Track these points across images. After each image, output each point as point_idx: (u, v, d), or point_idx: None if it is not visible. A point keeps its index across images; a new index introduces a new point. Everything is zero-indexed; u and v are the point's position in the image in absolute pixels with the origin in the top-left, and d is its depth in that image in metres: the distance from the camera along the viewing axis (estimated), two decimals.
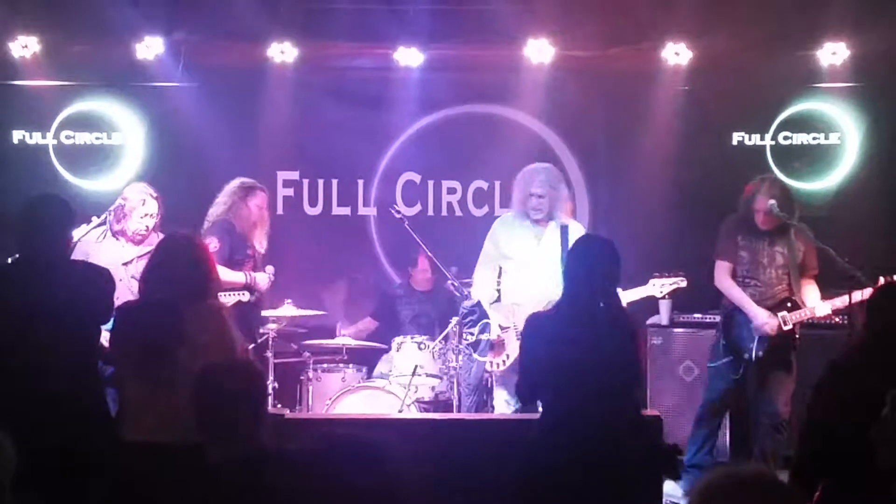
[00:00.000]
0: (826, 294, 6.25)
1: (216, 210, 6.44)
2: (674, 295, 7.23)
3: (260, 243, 6.50)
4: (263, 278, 6.31)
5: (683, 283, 6.18)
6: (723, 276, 6.31)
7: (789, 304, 6.19)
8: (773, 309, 6.17)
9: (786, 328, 6.13)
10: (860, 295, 5.79)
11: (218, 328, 4.22)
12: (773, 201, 6.23)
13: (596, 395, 4.06)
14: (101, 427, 4.27)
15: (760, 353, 6.15)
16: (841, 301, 6.06)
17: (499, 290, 6.22)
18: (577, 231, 6.20)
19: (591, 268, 4.18)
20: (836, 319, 6.53)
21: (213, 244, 6.14)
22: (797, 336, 6.23)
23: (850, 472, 3.30)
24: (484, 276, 6.25)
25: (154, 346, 4.08)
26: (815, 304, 6.19)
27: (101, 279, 4.50)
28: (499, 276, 6.24)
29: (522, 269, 6.12)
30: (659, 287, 6.13)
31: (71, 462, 4.08)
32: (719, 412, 6.44)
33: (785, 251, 6.25)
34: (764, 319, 6.12)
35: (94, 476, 4.13)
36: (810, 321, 6.26)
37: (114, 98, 8.23)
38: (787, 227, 6.26)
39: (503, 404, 6.11)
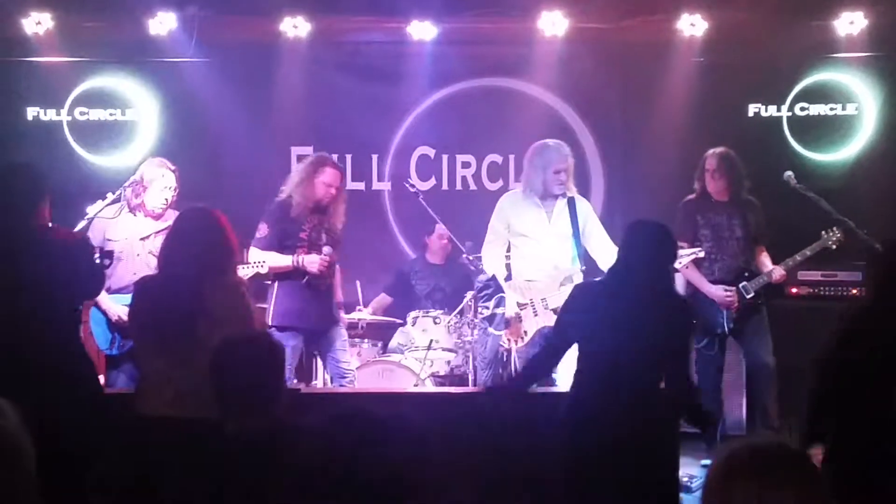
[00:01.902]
0: (843, 265, 6.38)
1: (287, 186, 6.27)
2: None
3: (334, 222, 6.28)
4: (313, 260, 6.09)
5: (702, 254, 6.27)
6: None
7: (747, 274, 6.41)
8: (733, 282, 6.29)
9: (749, 297, 6.35)
10: (809, 252, 6.36)
11: (238, 302, 4.21)
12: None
13: (629, 371, 4.09)
14: (84, 398, 4.29)
15: (731, 325, 6.37)
16: (793, 260, 6.41)
17: (508, 267, 6.22)
18: (582, 204, 6.22)
19: (645, 250, 4.22)
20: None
21: (261, 230, 6.12)
22: (761, 301, 6.42)
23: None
24: (493, 253, 6.23)
25: (173, 320, 4.07)
26: (771, 267, 6.43)
27: (78, 248, 4.51)
28: (507, 252, 6.24)
29: (535, 245, 6.11)
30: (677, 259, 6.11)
31: (54, 435, 4.07)
32: (716, 388, 6.53)
33: (739, 222, 6.44)
34: (722, 296, 6.34)
35: (83, 449, 4.15)
36: (769, 285, 6.44)
37: (127, 74, 8.22)
38: (739, 200, 6.46)
39: None
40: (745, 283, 6.36)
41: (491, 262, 6.22)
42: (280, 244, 6.14)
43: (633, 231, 4.38)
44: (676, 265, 6.14)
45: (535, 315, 6.00)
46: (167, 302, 4.10)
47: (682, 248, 6.09)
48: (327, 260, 6.13)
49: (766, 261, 6.50)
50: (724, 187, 6.46)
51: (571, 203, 6.13)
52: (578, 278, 6.00)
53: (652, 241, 4.27)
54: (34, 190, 4.47)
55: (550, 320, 5.77)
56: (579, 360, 4.33)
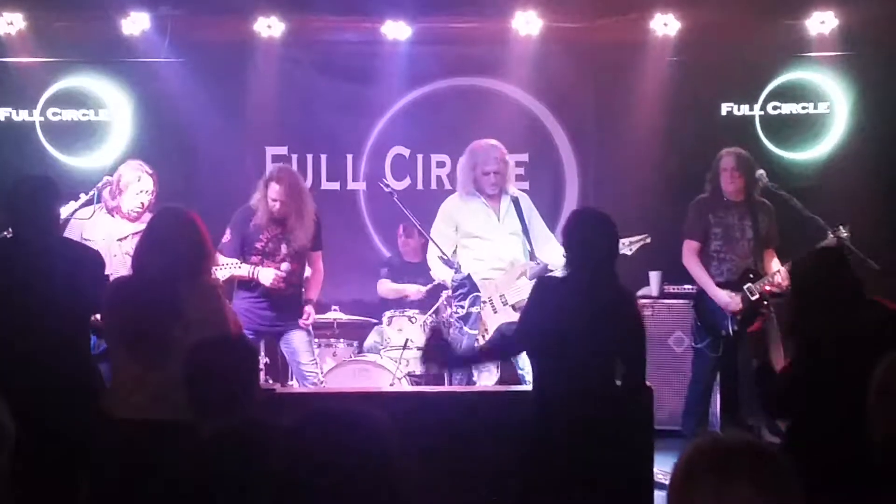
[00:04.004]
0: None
1: (255, 195, 6.26)
2: (664, 266, 7.30)
3: (297, 234, 6.19)
4: (268, 275, 6.08)
5: (648, 240, 6.20)
6: (689, 256, 6.51)
7: (751, 275, 6.36)
8: (739, 282, 6.29)
9: (753, 298, 6.29)
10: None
11: (213, 305, 4.20)
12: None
13: (589, 365, 4.09)
14: (90, 404, 4.29)
15: (736, 328, 6.33)
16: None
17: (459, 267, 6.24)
18: (525, 201, 6.34)
19: (591, 242, 4.21)
20: None
21: (226, 236, 6.14)
22: (766, 302, 6.34)
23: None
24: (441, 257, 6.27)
25: (147, 322, 4.05)
26: (776, 269, 6.36)
27: (93, 261, 4.56)
28: (454, 254, 6.28)
29: (487, 245, 6.20)
30: (628, 246, 6.14)
31: (59, 440, 4.10)
32: (709, 388, 6.58)
33: (751, 223, 6.42)
34: (726, 300, 6.31)
35: (85, 454, 4.16)
36: (776, 288, 6.34)
37: (100, 74, 8.18)
38: (752, 201, 6.44)
39: (484, 374, 6.15)
40: (749, 284, 6.29)
41: (437, 266, 6.28)
42: (241, 251, 6.18)
43: (573, 222, 4.37)
44: (628, 252, 6.20)
45: (495, 312, 6.09)
46: (141, 304, 4.08)
47: (642, 234, 6.12)
48: (283, 276, 6.11)
49: (772, 263, 6.45)
50: (741, 187, 6.43)
51: (515, 201, 6.25)
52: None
53: (592, 230, 4.25)
54: (55, 203, 4.59)
55: (509, 316, 5.92)
56: (539, 358, 4.33)
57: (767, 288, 6.31)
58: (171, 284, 4.08)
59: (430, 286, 7.20)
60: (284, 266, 6.15)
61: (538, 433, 4.14)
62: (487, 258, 6.19)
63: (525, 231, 6.18)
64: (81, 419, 4.17)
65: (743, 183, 6.43)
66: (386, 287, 7.73)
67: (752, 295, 6.29)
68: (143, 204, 5.86)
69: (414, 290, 7.52)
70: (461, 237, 6.26)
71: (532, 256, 6.21)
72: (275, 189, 6.13)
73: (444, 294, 6.83)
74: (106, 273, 4.85)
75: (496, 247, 6.18)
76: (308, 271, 6.46)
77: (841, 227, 6.35)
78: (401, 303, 7.56)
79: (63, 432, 4.13)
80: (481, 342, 6.09)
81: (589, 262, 4.19)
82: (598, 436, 4.00)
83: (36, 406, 3.97)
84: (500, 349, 5.16)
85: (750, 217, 6.43)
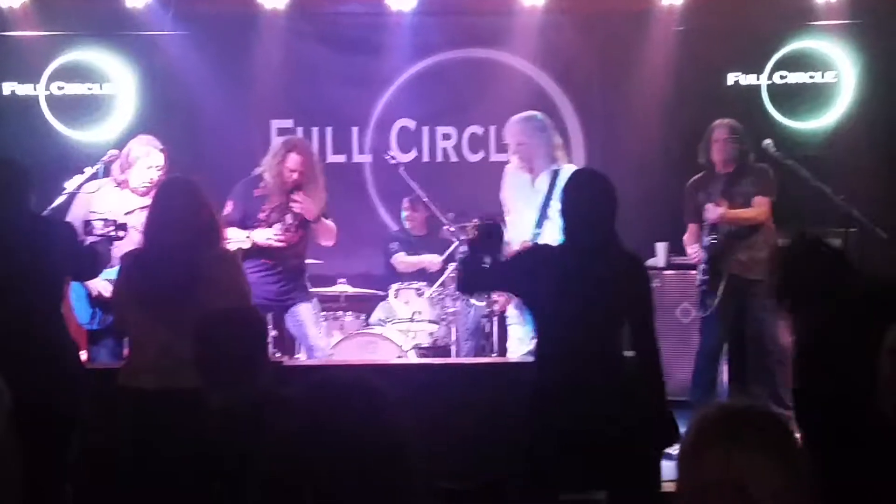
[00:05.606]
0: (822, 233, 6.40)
1: (262, 165, 6.19)
2: (670, 237, 7.30)
3: (303, 206, 6.09)
4: (261, 235, 6.05)
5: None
6: (686, 239, 6.61)
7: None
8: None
9: (706, 245, 6.35)
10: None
11: (232, 271, 4.25)
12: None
13: (595, 330, 4.05)
14: (68, 379, 4.33)
15: (706, 277, 6.38)
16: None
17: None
18: (564, 175, 6.13)
19: (590, 201, 4.13)
20: None
21: (227, 207, 6.06)
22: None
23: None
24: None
25: (172, 288, 4.07)
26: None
27: (63, 232, 4.56)
28: None
29: (516, 216, 6.11)
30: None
31: (36, 417, 4.11)
32: (716, 357, 6.58)
33: (740, 190, 6.39)
34: (690, 252, 6.54)
35: (65, 430, 4.20)
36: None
37: (104, 48, 8.15)
38: (741, 170, 6.40)
39: (516, 342, 6.05)
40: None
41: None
42: (242, 222, 6.10)
43: (568, 184, 4.30)
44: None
45: None
46: (164, 271, 4.09)
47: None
48: (279, 235, 6.04)
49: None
50: (732, 157, 6.41)
51: (555, 175, 5.98)
52: None
53: (587, 189, 4.17)
54: (17, 182, 4.52)
55: None
56: (538, 327, 4.27)
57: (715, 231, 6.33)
58: (192, 249, 4.12)
59: (445, 255, 7.17)
60: (276, 226, 6.06)
61: (541, 402, 4.11)
62: (513, 229, 6.08)
63: (544, 205, 5.93)
64: (56, 391, 4.20)
65: (733, 153, 6.41)
66: (402, 261, 7.69)
67: (706, 246, 6.35)
68: (151, 180, 5.83)
69: (429, 261, 7.50)
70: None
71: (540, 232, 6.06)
72: (295, 160, 6.08)
73: (451, 266, 6.83)
74: (85, 239, 4.84)
75: (519, 216, 6.02)
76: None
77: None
78: (414, 275, 7.53)
79: (38, 406, 4.08)
80: (509, 305, 6.02)
81: (589, 223, 4.11)
82: (601, 404, 3.97)
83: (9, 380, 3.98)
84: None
85: (738, 184, 6.39)
